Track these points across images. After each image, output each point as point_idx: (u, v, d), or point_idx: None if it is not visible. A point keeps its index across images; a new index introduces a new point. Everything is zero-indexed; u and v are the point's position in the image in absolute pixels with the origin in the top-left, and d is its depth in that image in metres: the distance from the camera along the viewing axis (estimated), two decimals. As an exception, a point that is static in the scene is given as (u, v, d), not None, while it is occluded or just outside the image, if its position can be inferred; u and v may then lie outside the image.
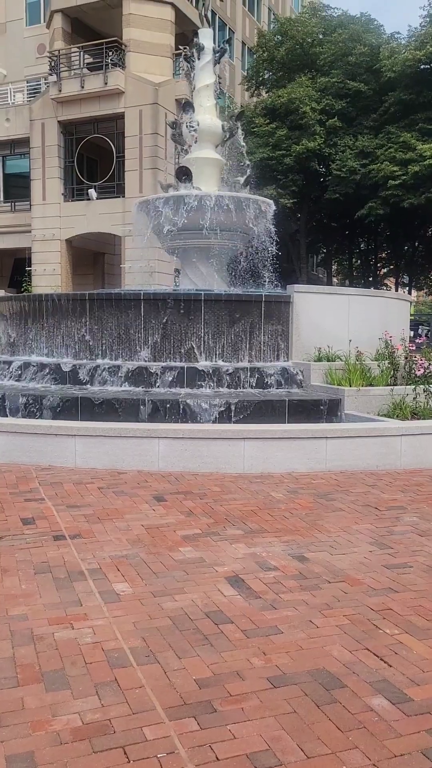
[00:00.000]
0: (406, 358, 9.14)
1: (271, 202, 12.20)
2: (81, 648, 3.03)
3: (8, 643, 3.07)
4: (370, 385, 8.54)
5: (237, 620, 3.35)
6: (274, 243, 12.10)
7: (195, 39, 12.70)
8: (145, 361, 8.97)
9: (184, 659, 2.94)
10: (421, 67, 27.52)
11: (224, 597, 3.64)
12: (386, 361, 9.06)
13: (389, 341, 9.47)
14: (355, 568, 4.10)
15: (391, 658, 2.99)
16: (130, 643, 3.08)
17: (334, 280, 47.23)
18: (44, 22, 28.67)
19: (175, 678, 2.78)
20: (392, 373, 8.91)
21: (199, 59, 12.63)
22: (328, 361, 9.15)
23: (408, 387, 8.46)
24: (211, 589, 3.74)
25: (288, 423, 7.65)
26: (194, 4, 28.26)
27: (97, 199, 25.55)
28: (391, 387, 8.52)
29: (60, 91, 25.22)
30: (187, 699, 2.62)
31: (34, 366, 9.16)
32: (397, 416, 7.91)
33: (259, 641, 3.13)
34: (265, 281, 12.64)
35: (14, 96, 29.70)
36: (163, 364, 8.80)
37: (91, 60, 25.89)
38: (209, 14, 13.71)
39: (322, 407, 7.98)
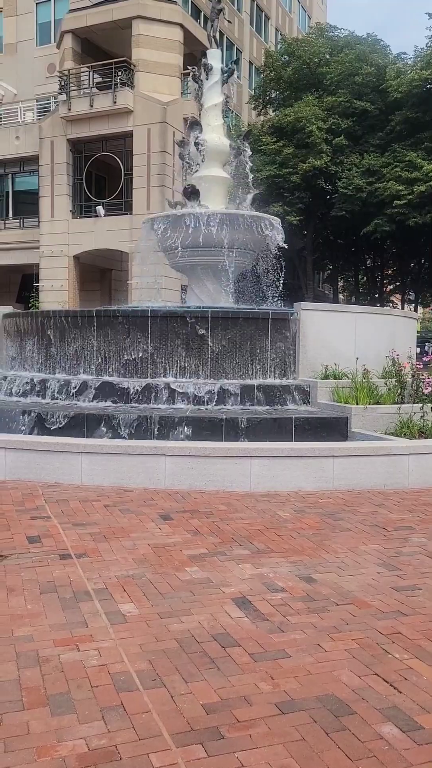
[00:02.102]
0: (414, 376, 9.10)
1: (278, 219, 12.26)
2: (87, 671, 3.00)
3: (14, 665, 3.04)
4: (377, 403, 8.51)
5: (244, 643, 3.31)
6: (281, 260, 12.14)
7: (203, 59, 12.85)
8: (150, 377, 8.98)
9: (191, 683, 2.90)
10: (427, 86, 27.75)
11: (231, 619, 3.60)
12: (393, 379, 9.03)
13: (396, 359, 9.45)
14: (363, 590, 4.06)
15: (400, 684, 2.95)
16: (137, 666, 3.05)
17: (340, 296, 47.32)
18: (54, 42, 29.08)
19: (182, 703, 2.74)
20: (399, 391, 8.88)
21: (207, 79, 12.77)
22: (335, 378, 9.13)
23: (415, 405, 8.42)
24: (218, 611, 3.70)
25: (295, 441, 7.62)
26: (203, 25, 28.65)
27: (104, 216, 25.74)
28: (399, 405, 8.48)
29: (69, 109, 25.52)
30: (194, 725, 2.59)
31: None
32: (405, 435, 7.87)
33: (267, 665, 3.09)
34: (271, 298, 12.67)
35: (24, 114, 30.07)
36: (170, 380, 8.80)
37: (100, 79, 26.23)
38: (217, 35, 13.87)
39: (329, 425, 7.96)
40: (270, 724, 2.61)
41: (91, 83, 25.90)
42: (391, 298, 46.24)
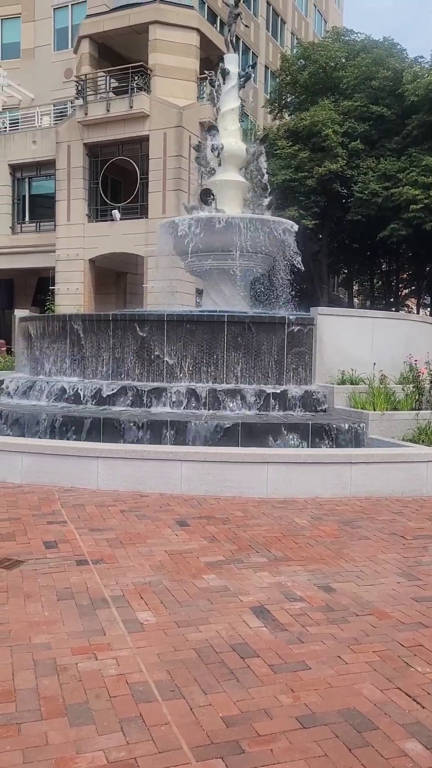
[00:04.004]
0: (431, 381, 9.02)
1: (293, 224, 12.21)
2: (105, 680, 2.97)
3: (31, 673, 3.02)
4: (395, 409, 8.43)
5: (263, 654, 3.27)
6: (296, 264, 12.08)
7: (220, 64, 12.86)
8: (165, 382, 8.96)
9: (210, 695, 2.87)
10: (444, 90, 27.51)
11: (249, 629, 3.56)
12: (411, 385, 8.95)
13: (414, 364, 9.36)
14: (383, 601, 4.00)
15: (423, 699, 2.89)
16: (155, 676, 3.02)
17: (355, 300, 47.07)
18: (72, 47, 29.25)
19: (202, 715, 2.71)
20: (417, 397, 8.80)
21: (224, 84, 12.78)
22: (352, 384, 9.07)
23: (433, 412, 8.34)
24: (236, 620, 3.66)
25: (311, 447, 7.57)
26: (219, 30, 28.70)
27: (120, 219, 25.82)
28: (416, 411, 8.41)
29: (86, 114, 25.64)
30: (214, 738, 2.55)
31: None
32: (423, 441, 7.78)
33: (287, 677, 3.04)
34: (287, 302, 12.62)
35: (41, 119, 30.25)
36: (186, 385, 8.78)
37: (116, 84, 26.33)
38: (234, 39, 13.87)
39: (345, 431, 7.89)
40: (291, 738, 2.56)
41: (107, 88, 26.01)
42: (407, 302, 45.89)
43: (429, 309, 43.84)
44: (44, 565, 4.46)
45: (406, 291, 43.68)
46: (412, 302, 45.24)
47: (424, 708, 2.81)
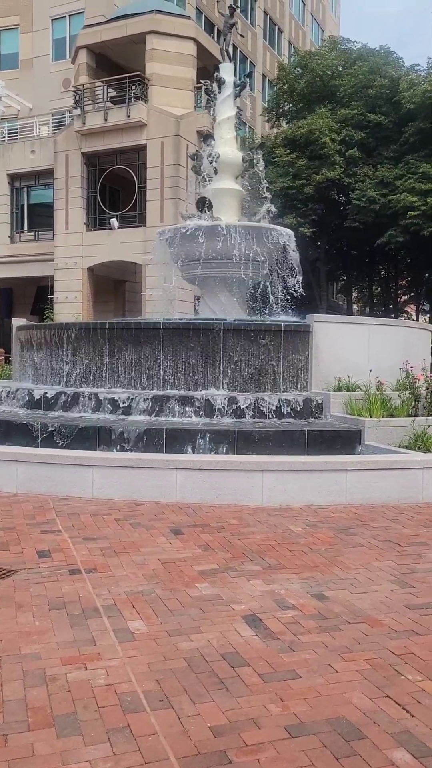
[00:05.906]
0: (428, 388, 9.02)
1: (290, 231, 12.26)
2: (94, 690, 2.96)
3: (20, 683, 3.01)
4: (391, 415, 8.43)
5: (254, 663, 3.26)
6: (294, 271, 12.11)
7: (216, 73, 12.95)
8: (160, 389, 8.97)
9: (198, 705, 2.86)
10: (441, 97, 27.63)
11: (241, 637, 3.55)
12: (407, 392, 8.95)
13: (410, 371, 9.36)
14: (375, 608, 3.99)
15: (413, 708, 2.88)
16: (144, 686, 3.01)
17: (354, 307, 47.14)
18: (70, 57, 29.43)
19: (190, 725, 2.69)
20: (413, 403, 8.80)
21: (220, 93, 12.87)
22: (348, 391, 9.06)
23: (429, 418, 8.34)
24: (227, 629, 3.65)
25: (307, 454, 7.56)
26: (216, 39, 28.86)
27: (118, 228, 25.90)
28: (413, 418, 8.40)
29: (84, 123, 25.77)
30: (202, 748, 2.54)
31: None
32: (419, 448, 7.78)
33: (277, 686, 3.03)
34: (284, 309, 12.64)
35: (39, 129, 30.38)
36: (179, 393, 8.78)
37: (114, 94, 26.47)
38: (230, 49, 13.96)
39: (341, 438, 7.89)
40: (279, 748, 2.55)
41: (105, 97, 26.15)
42: (406, 308, 45.97)
43: (428, 315, 43.88)
44: (37, 575, 4.45)
45: (405, 297, 43.76)
46: (411, 309, 45.30)
47: (413, 717, 2.80)
